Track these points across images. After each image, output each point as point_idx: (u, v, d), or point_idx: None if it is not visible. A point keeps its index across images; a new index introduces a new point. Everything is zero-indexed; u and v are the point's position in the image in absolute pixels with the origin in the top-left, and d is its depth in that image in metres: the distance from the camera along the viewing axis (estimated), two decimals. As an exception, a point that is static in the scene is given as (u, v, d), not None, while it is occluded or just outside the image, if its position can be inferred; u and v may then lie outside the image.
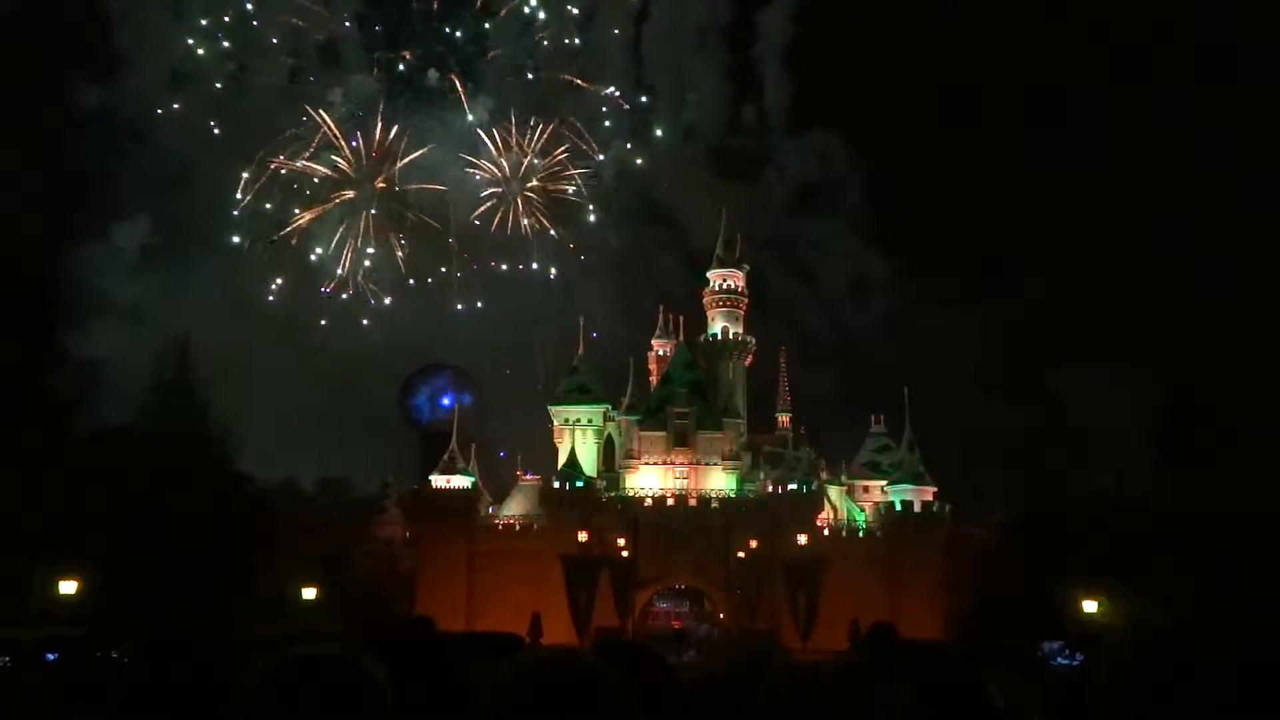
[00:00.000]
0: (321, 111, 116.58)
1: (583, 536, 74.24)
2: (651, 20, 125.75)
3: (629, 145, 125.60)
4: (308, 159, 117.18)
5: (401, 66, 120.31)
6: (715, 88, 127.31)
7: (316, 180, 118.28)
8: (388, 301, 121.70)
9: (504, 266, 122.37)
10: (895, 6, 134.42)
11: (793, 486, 79.20)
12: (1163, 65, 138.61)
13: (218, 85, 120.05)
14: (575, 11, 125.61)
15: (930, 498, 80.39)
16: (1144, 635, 2.34)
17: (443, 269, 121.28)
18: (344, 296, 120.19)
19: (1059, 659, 45.67)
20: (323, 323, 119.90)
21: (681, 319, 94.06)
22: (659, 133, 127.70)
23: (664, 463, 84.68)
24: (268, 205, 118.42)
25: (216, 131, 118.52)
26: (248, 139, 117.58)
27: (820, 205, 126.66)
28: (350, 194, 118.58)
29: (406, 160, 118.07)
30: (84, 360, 56.44)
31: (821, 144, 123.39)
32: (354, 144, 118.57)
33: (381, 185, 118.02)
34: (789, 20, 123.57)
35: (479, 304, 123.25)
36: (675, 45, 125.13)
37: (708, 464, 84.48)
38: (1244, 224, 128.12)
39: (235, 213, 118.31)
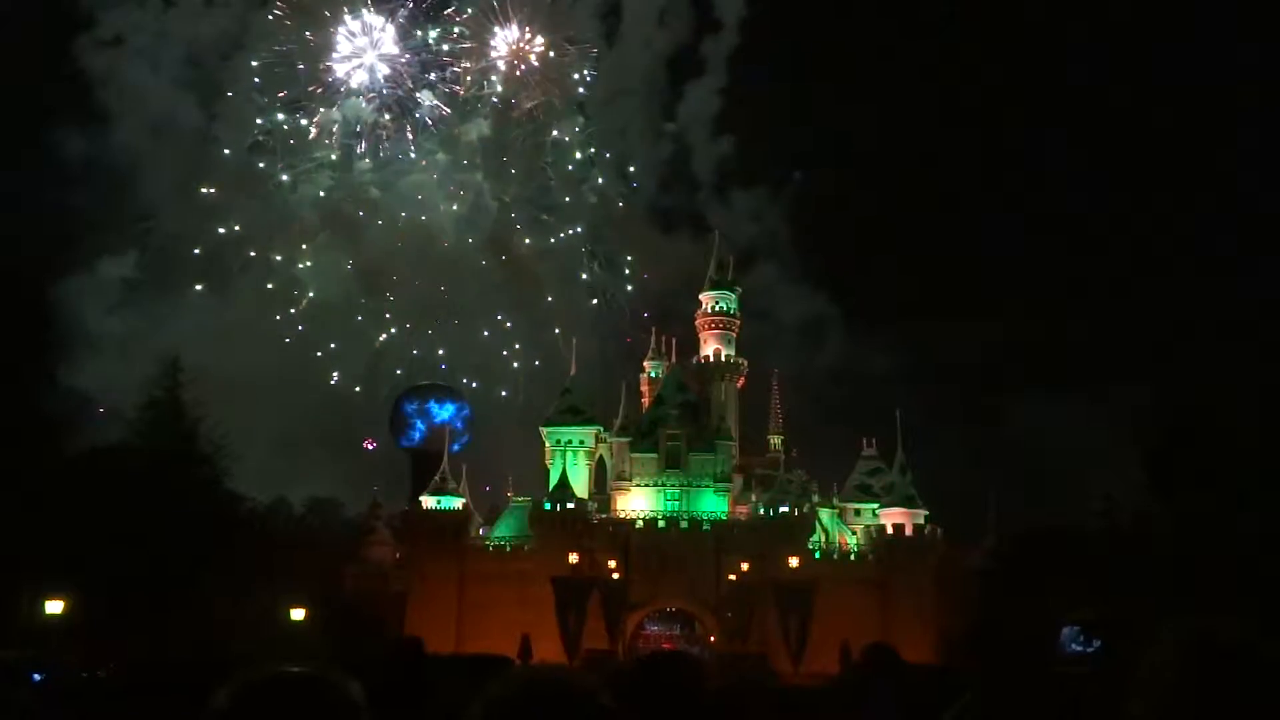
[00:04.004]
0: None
1: (574, 558, 73.82)
2: (597, 79, 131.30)
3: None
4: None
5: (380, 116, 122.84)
6: (654, 147, 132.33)
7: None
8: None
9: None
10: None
11: (784, 509, 79.04)
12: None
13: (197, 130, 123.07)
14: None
15: (922, 521, 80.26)
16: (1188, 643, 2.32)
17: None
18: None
19: (1073, 645, 44.66)
20: (318, 354, 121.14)
21: (674, 340, 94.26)
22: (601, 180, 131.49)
23: (655, 484, 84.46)
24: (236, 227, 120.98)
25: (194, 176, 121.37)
26: (228, 178, 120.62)
27: (765, 253, 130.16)
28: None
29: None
30: (73, 389, 56.51)
31: (756, 200, 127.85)
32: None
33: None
34: (716, 93, 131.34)
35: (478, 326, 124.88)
36: (617, 106, 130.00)
37: (699, 486, 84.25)
38: (1241, 230, 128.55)
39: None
